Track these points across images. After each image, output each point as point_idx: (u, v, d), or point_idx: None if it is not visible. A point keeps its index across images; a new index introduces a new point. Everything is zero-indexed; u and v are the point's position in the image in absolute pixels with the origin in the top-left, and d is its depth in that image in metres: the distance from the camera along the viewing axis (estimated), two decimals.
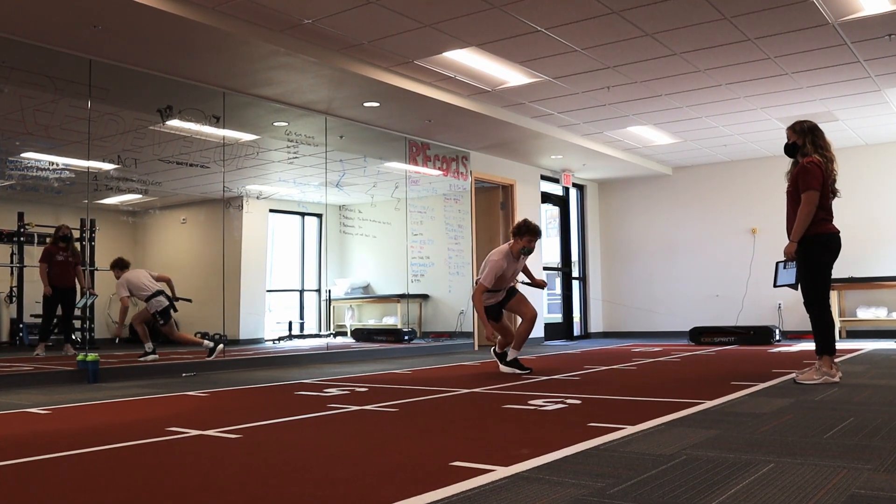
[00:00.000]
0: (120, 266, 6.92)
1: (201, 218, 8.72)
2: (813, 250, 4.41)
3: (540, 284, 6.06)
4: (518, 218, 10.37)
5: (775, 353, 7.38)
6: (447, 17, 5.49)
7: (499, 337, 5.92)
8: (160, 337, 6.99)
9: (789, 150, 4.62)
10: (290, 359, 7.37)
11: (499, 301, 5.80)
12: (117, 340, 7.58)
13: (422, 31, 5.74)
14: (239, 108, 7.04)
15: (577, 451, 2.51)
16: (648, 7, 5.36)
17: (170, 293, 7.05)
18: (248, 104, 7.10)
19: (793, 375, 4.74)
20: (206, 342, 6.79)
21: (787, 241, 4.57)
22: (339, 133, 8.10)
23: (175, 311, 6.96)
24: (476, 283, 5.68)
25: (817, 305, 4.43)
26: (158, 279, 7.00)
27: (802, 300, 4.50)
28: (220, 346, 6.73)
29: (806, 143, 4.52)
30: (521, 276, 6.06)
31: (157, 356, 6.64)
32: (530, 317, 5.69)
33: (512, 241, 5.69)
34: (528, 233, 5.59)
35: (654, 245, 11.91)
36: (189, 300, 7.21)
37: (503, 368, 5.73)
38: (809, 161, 4.44)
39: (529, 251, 5.65)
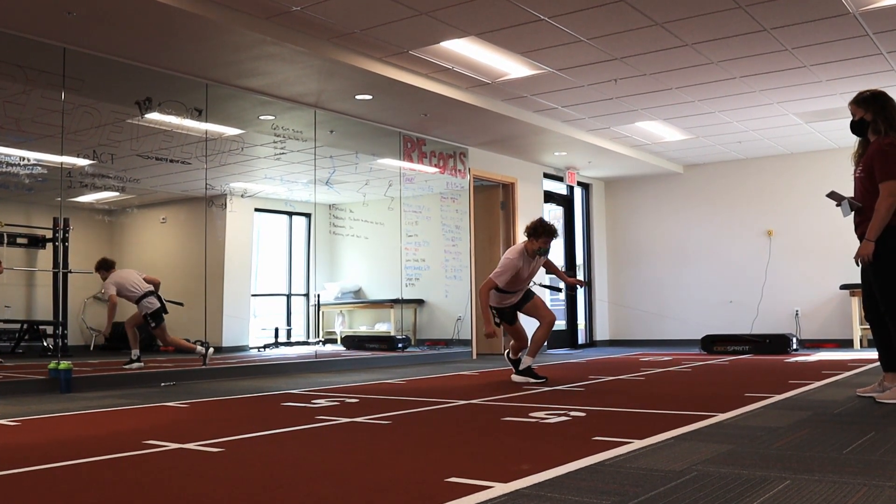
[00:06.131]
0: (105, 267, 6.93)
1: (182, 217, 8.70)
2: (891, 243, 3.86)
3: (576, 284, 6.07)
4: (519, 219, 10.42)
5: (792, 363, 7.39)
6: (445, 5, 5.50)
7: (512, 342, 5.96)
8: (154, 343, 7.01)
9: (857, 127, 4.10)
10: (276, 367, 7.37)
11: (513, 304, 5.82)
12: (105, 339, 7.53)
13: (418, 19, 5.75)
14: (222, 100, 7.04)
15: (581, 466, 2.52)
16: None
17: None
18: (232, 96, 7.10)
19: (811, 387, 4.74)
20: (199, 348, 6.83)
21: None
22: (330, 127, 8.10)
23: (166, 312, 7.00)
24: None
25: None
26: (148, 280, 7.02)
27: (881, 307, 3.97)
28: (211, 349, 6.82)
29: (877, 120, 3.93)
30: (541, 279, 6.07)
31: (142, 364, 6.64)
32: (548, 322, 5.74)
33: (527, 240, 5.72)
34: (545, 234, 5.61)
35: (664, 247, 11.92)
36: (181, 304, 7.22)
37: (515, 378, 5.76)
38: (889, 143, 3.86)
39: (545, 252, 5.70)
